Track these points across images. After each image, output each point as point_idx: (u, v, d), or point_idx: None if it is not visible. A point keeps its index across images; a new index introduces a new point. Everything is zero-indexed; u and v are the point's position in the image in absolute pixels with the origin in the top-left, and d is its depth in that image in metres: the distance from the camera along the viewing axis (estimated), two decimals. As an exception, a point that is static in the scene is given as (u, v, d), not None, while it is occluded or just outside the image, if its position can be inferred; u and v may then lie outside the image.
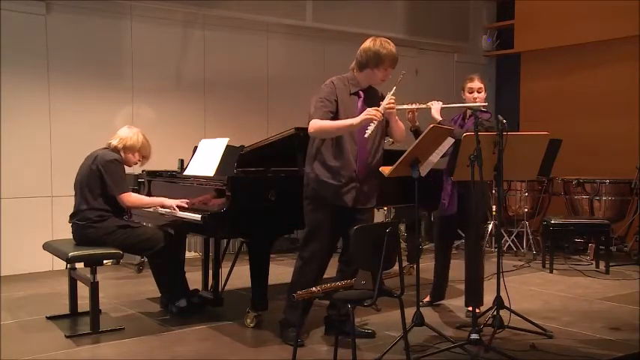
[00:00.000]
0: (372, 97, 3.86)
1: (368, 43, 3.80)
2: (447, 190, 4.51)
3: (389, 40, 3.84)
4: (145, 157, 4.55)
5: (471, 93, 4.49)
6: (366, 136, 3.61)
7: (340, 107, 3.76)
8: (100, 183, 4.26)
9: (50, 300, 5.00)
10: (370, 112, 3.59)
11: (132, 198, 4.36)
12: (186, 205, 4.38)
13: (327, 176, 3.77)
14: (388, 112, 3.73)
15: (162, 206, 4.43)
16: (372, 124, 3.58)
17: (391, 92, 3.74)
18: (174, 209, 4.33)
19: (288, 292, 3.89)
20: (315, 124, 3.71)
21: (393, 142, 5.37)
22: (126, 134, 4.45)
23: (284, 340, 3.88)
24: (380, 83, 3.84)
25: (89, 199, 4.25)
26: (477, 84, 4.49)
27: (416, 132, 4.29)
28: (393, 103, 3.72)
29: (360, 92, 3.84)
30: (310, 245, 3.84)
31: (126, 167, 4.44)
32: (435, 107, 4.32)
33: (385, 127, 3.91)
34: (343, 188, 3.77)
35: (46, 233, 5.69)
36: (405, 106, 4.27)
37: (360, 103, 3.81)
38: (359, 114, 3.71)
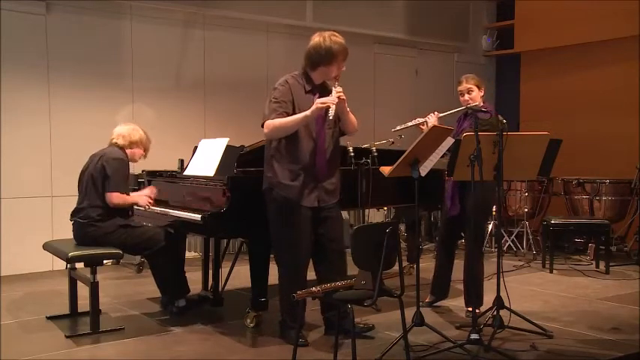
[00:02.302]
0: (327, 93, 3.80)
1: (317, 40, 3.77)
2: (449, 192, 4.50)
3: (336, 33, 3.80)
4: (146, 150, 4.57)
5: (462, 96, 4.49)
6: (330, 117, 3.59)
7: (297, 107, 3.74)
8: (103, 180, 4.26)
9: (50, 300, 5.00)
10: (322, 100, 3.60)
11: (118, 197, 4.28)
12: (153, 195, 4.41)
13: (287, 178, 3.75)
14: (340, 102, 3.67)
15: (135, 203, 4.41)
16: (331, 107, 3.57)
17: (337, 85, 3.73)
18: (146, 207, 4.38)
19: (281, 301, 3.91)
20: (270, 125, 3.69)
21: (392, 143, 5.39)
22: (127, 131, 4.45)
23: (285, 341, 3.88)
24: (334, 78, 3.80)
25: (93, 197, 4.25)
26: (464, 86, 4.48)
27: None
28: (341, 92, 3.68)
29: (315, 89, 3.83)
30: (290, 252, 3.81)
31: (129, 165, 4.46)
32: (431, 121, 4.32)
33: (338, 121, 3.90)
34: (305, 189, 3.76)
35: (46, 233, 5.68)
36: (409, 124, 4.29)
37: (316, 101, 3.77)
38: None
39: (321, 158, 3.80)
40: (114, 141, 4.43)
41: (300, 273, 3.84)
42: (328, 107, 3.59)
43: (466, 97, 4.47)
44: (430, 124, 4.30)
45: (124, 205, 4.39)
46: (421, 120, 4.38)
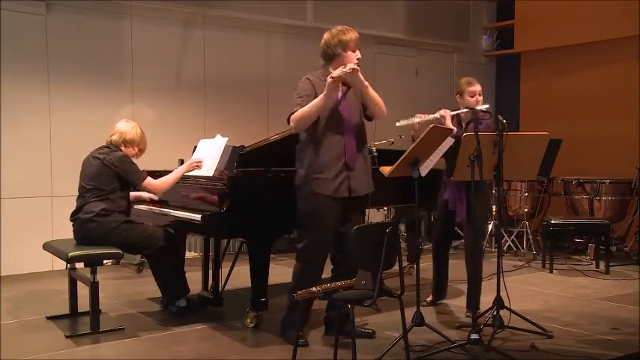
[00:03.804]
0: (348, 86, 3.85)
1: (326, 36, 3.84)
2: (458, 196, 4.45)
3: (344, 27, 3.84)
4: (141, 151, 4.58)
5: (472, 97, 4.43)
6: (334, 75, 3.60)
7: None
8: (117, 180, 4.29)
9: (50, 300, 5.00)
10: (332, 74, 3.63)
11: (156, 182, 4.42)
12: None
13: (319, 173, 3.76)
14: (353, 73, 3.67)
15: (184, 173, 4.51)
16: (338, 71, 3.60)
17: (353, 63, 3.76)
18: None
19: (289, 293, 3.88)
20: (294, 117, 3.76)
21: (392, 143, 5.39)
22: (125, 128, 4.47)
23: (286, 341, 3.88)
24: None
25: (96, 195, 4.26)
26: (478, 87, 4.45)
27: None
28: (354, 65, 3.69)
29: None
30: (314, 244, 3.81)
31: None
32: (449, 118, 4.28)
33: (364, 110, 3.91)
34: (336, 180, 3.76)
35: (46, 233, 5.68)
36: (416, 120, 4.24)
37: (340, 94, 3.81)
38: (340, 103, 3.77)
39: (350, 146, 3.81)
40: (111, 138, 4.44)
41: (317, 269, 3.83)
42: (339, 79, 3.61)
43: (478, 98, 4.41)
44: (448, 122, 4.26)
45: (169, 186, 4.46)
46: (433, 116, 4.29)
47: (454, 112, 4.35)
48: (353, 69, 3.66)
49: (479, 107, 4.25)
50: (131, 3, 6.49)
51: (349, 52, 3.80)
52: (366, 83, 3.81)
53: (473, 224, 4.35)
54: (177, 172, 4.50)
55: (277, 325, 4.02)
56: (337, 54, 3.80)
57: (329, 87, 3.64)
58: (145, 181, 4.37)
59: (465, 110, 4.33)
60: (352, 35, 3.81)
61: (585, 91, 7.99)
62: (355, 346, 3.17)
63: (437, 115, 4.31)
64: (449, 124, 4.25)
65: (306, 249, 3.84)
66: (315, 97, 3.74)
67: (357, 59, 3.82)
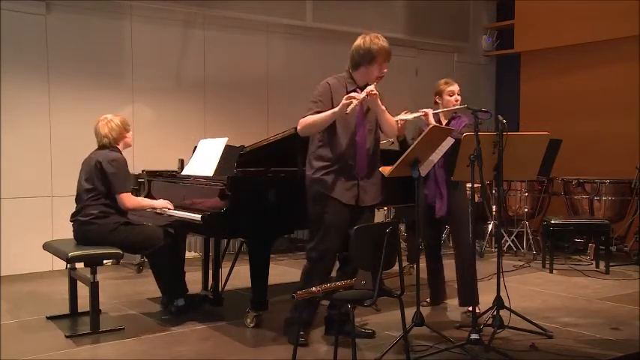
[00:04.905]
0: None
1: (359, 41, 3.80)
2: (443, 194, 4.48)
3: (379, 35, 3.81)
4: (128, 130, 4.51)
5: (452, 96, 4.50)
6: (347, 111, 3.56)
7: (335, 105, 3.73)
8: (105, 181, 4.26)
9: (50, 300, 5.00)
10: (348, 95, 3.61)
11: (132, 200, 4.37)
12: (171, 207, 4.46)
13: (325, 174, 3.77)
14: (371, 98, 3.67)
15: (153, 208, 4.47)
16: (353, 102, 3.57)
17: (373, 85, 3.74)
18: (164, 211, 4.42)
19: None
20: (302, 122, 3.76)
21: (392, 143, 5.38)
22: (107, 131, 4.39)
23: (287, 337, 3.88)
24: (376, 80, 3.80)
25: (93, 197, 4.26)
26: (456, 87, 4.53)
27: (403, 142, 4.32)
28: (374, 89, 3.68)
29: (358, 90, 3.81)
30: (320, 245, 3.80)
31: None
32: (431, 116, 4.33)
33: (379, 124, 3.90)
34: (343, 185, 3.77)
35: (46, 233, 5.69)
36: (400, 117, 4.24)
37: (357, 110, 3.77)
38: (358, 111, 3.74)
39: (362, 157, 3.81)
40: (102, 143, 4.41)
41: (325, 269, 3.83)
42: (351, 102, 3.58)
43: (456, 97, 4.50)
44: (431, 118, 4.29)
45: (139, 209, 4.44)
46: (418, 114, 4.33)
47: (437, 111, 4.41)
48: (369, 94, 3.63)
49: (456, 107, 4.41)
50: (131, 3, 6.49)
51: (374, 68, 3.77)
52: (383, 108, 3.81)
53: (458, 221, 4.41)
54: (150, 203, 4.48)
55: (277, 325, 4.02)
56: (363, 65, 3.78)
57: (342, 107, 3.59)
58: (126, 193, 4.29)
59: (446, 109, 4.44)
60: (381, 49, 3.75)
61: (585, 91, 7.99)
62: (355, 346, 3.17)
63: (420, 113, 4.33)
64: (431, 121, 4.27)
65: (313, 249, 3.84)
66: (332, 102, 3.73)
67: (381, 74, 3.79)
